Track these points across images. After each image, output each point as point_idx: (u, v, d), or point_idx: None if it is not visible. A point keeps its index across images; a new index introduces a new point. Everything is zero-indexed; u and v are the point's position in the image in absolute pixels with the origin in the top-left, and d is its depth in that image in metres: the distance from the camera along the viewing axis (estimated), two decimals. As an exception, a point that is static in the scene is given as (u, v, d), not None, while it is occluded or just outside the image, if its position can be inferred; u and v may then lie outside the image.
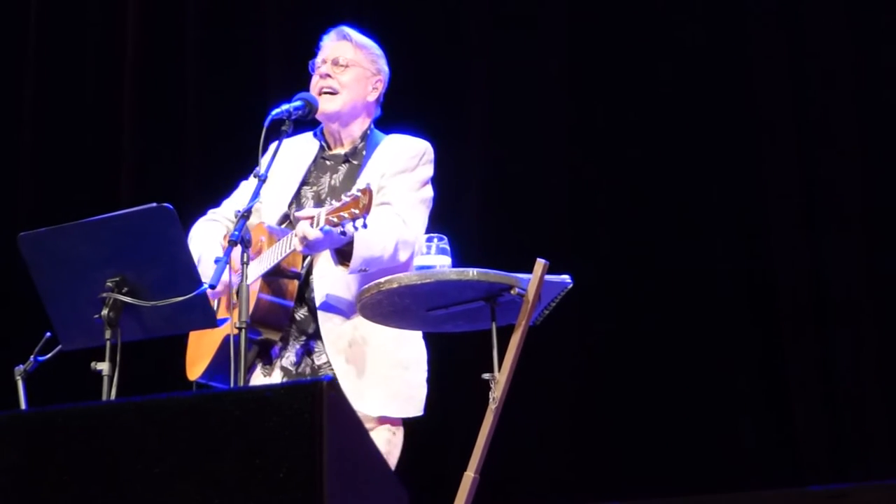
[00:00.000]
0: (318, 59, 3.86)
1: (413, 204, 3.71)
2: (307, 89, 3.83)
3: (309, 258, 3.65)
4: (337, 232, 3.36)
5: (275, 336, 3.65)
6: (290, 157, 3.84)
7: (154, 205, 3.23)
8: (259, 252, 3.65)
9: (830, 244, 5.10)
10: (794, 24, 5.26)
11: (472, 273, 3.23)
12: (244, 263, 3.33)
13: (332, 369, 3.63)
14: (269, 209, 3.79)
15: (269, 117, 3.59)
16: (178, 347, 3.90)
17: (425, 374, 3.73)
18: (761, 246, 5.22)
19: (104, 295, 3.21)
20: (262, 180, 3.48)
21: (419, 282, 3.24)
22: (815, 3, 5.23)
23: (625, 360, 5.25)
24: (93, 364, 3.21)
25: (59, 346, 3.52)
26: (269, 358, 3.71)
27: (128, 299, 3.21)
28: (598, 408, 5.27)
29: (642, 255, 5.32)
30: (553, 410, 5.30)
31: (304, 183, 3.81)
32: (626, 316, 5.28)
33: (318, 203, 3.74)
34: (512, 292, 3.26)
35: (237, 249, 3.36)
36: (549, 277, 3.31)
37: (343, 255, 3.51)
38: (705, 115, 5.35)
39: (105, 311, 3.19)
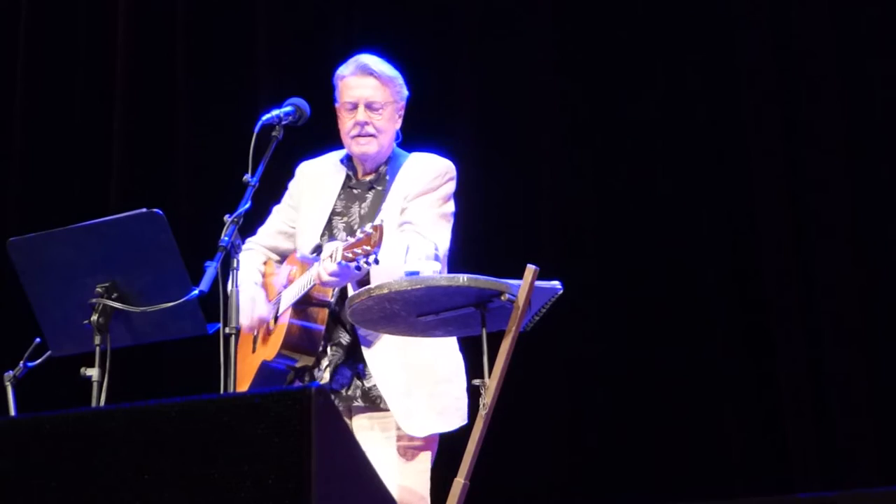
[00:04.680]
0: (346, 99, 3.84)
1: (433, 219, 3.75)
2: (298, 95, 3.83)
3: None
4: (352, 267, 3.42)
5: (308, 361, 3.69)
6: (318, 185, 3.89)
7: (144, 210, 3.23)
8: (291, 281, 3.72)
9: (820, 253, 5.10)
10: (783, 31, 5.27)
11: (462, 279, 3.23)
12: (234, 269, 3.34)
13: (379, 391, 3.66)
14: (303, 240, 3.85)
15: (260, 122, 3.61)
16: (169, 353, 3.91)
17: (465, 384, 3.76)
18: (752, 254, 5.22)
19: (94, 300, 3.21)
20: (253, 186, 3.48)
21: (409, 287, 3.24)
22: (802, 12, 5.24)
23: (614, 366, 5.25)
24: (82, 370, 3.21)
25: (49, 352, 3.51)
26: (312, 379, 3.74)
27: (117, 305, 3.21)
28: (587, 414, 5.27)
29: (633, 261, 5.32)
30: (543, 416, 5.30)
31: (333, 213, 3.85)
32: (616, 323, 5.28)
33: (350, 233, 3.77)
34: (502, 298, 3.26)
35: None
36: (539, 283, 3.30)
37: (363, 286, 3.55)
38: (698, 124, 5.35)
39: (95, 317, 3.20)
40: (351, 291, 3.64)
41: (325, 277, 3.50)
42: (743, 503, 4.93)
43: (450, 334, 3.59)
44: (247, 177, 3.48)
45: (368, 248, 3.35)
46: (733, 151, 5.30)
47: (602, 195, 5.43)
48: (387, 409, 3.65)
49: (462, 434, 3.28)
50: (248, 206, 3.45)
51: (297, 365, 3.70)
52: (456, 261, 3.83)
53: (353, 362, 3.71)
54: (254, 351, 3.79)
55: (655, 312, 5.26)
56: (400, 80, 3.90)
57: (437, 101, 5.64)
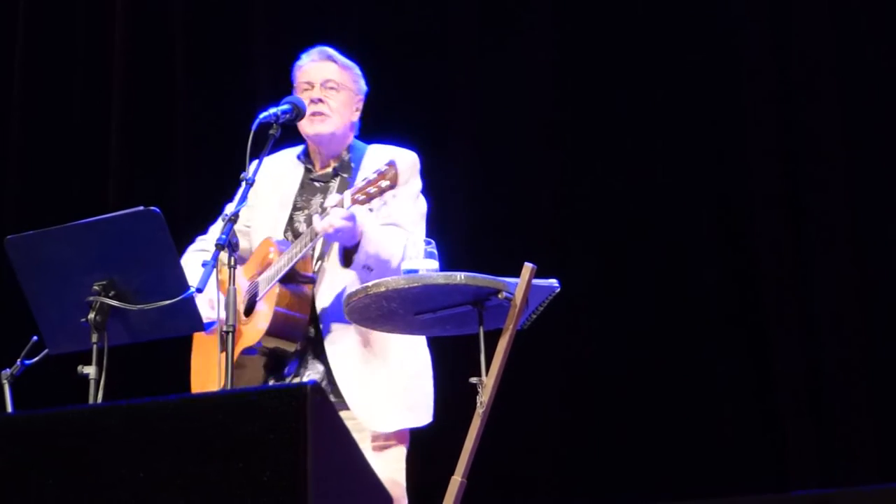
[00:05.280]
0: (302, 81, 3.86)
1: (416, 220, 3.75)
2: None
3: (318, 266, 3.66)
4: (365, 209, 3.39)
5: (290, 347, 3.65)
6: (275, 182, 3.86)
7: (141, 208, 3.22)
8: (269, 264, 3.67)
9: (817, 250, 5.10)
10: (783, 31, 5.27)
11: (459, 277, 3.23)
12: (231, 267, 3.33)
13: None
14: (261, 237, 3.80)
15: (257, 121, 3.60)
16: (166, 351, 3.91)
17: (431, 380, 3.77)
18: (750, 253, 5.22)
19: (91, 298, 3.21)
20: (250, 184, 3.48)
21: (406, 285, 3.24)
22: (802, 11, 5.24)
23: (611, 364, 5.25)
24: (79, 368, 3.20)
25: (46, 350, 3.51)
26: (280, 376, 3.71)
27: (115, 303, 3.20)
28: (584, 412, 5.27)
29: (629, 259, 5.32)
30: (540, 415, 5.30)
31: (294, 208, 3.83)
32: (613, 321, 5.28)
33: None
34: (499, 296, 3.26)
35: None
36: (536, 281, 3.30)
37: (348, 257, 3.54)
38: (697, 124, 5.35)
39: (92, 315, 3.19)
40: (325, 287, 3.62)
41: (339, 223, 3.41)
42: (741, 501, 4.93)
43: (447, 332, 3.59)
44: (244, 174, 3.48)
45: (385, 183, 3.34)
46: (733, 151, 5.30)
47: (600, 194, 5.42)
48: None
49: (458, 432, 3.27)
50: (245, 204, 3.44)
51: (272, 347, 3.64)
52: (453, 259, 3.82)
53: (325, 357, 3.68)
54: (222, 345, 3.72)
55: (654, 312, 5.25)
56: (358, 71, 3.91)
57: (434, 99, 5.65)
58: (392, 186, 3.34)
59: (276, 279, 3.60)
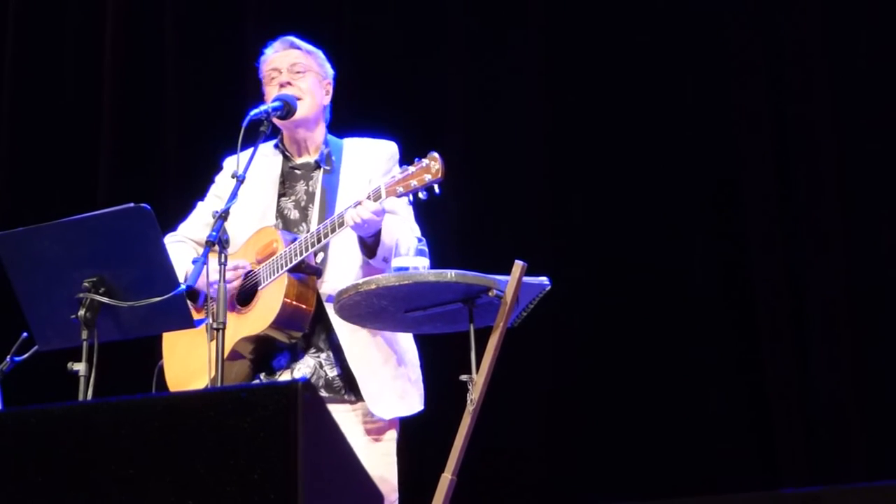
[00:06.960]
0: (269, 70, 3.86)
1: (410, 210, 3.73)
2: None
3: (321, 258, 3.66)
4: (407, 201, 3.40)
5: (290, 339, 3.65)
6: (254, 171, 3.78)
7: (131, 205, 3.21)
8: (272, 253, 3.64)
9: (808, 250, 5.12)
10: (775, 30, 5.28)
11: (450, 275, 3.23)
12: (222, 264, 3.33)
13: (342, 381, 3.65)
14: (245, 228, 3.76)
15: (248, 118, 3.59)
16: (157, 348, 3.90)
17: (419, 366, 3.78)
18: (740, 250, 5.23)
19: (81, 295, 3.20)
20: (241, 181, 3.47)
21: (397, 283, 3.24)
22: (792, 10, 5.25)
23: (601, 362, 5.25)
24: (69, 364, 3.20)
25: (36, 347, 3.50)
26: (270, 369, 3.70)
27: (105, 299, 3.19)
28: (574, 410, 5.28)
29: (620, 257, 5.33)
30: (530, 412, 5.30)
31: (280, 195, 3.82)
32: (604, 318, 5.28)
33: (301, 211, 3.76)
34: (490, 294, 3.26)
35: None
36: (527, 279, 3.31)
37: (369, 246, 3.56)
38: (690, 123, 5.36)
39: (82, 312, 3.18)
40: (331, 277, 3.62)
41: (369, 216, 3.42)
42: (732, 499, 4.94)
43: (437, 330, 3.59)
44: (234, 171, 3.48)
45: (430, 177, 3.33)
46: (725, 149, 5.31)
47: (592, 192, 5.42)
48: (350, 401, 3.64)
49: (448, 429, 3.27)
50: (235, 200, 3.44)
51: (270, 335, 3.63)
52: (444, 256, 3.82)
53: (316, 351, 3.68)
54: (212, 339, 3.71)
55: (644, 310, 5.26)
56: (323, 56, 3.93)
57: (425, 97, 5.65)
58: (439, 181, 3.33)
59: (285, 268, 3.58)
